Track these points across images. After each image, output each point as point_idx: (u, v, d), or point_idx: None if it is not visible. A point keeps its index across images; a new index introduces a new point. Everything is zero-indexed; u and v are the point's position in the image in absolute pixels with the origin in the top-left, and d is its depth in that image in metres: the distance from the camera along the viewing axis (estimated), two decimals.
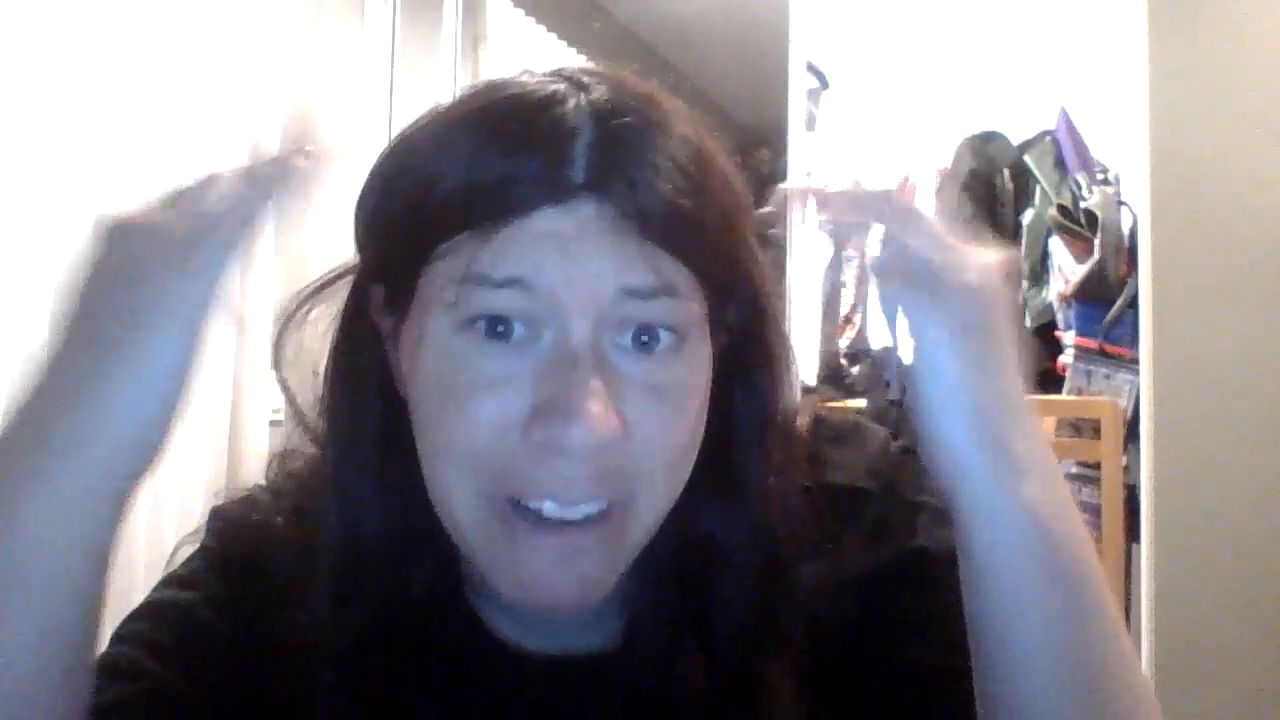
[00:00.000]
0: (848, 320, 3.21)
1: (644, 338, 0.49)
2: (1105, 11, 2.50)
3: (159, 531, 1.82)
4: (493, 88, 0.52)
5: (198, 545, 0.62)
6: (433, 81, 2.72)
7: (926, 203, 3.05)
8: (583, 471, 0.48)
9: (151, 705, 0.53)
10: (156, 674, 0.54)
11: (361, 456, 0.55)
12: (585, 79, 0.51)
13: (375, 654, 0.55)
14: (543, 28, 3.14)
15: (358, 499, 0.55)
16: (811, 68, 2.88)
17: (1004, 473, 0.47)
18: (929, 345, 0.48)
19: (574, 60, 3.32)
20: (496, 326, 0.48)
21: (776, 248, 2.56)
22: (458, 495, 0.50)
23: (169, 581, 0.60)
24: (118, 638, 0.56)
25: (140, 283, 0.43)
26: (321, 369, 0.58)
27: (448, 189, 0.49)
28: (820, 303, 3.15)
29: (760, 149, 3.20)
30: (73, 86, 1.71)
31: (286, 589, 0.56)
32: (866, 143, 3.23)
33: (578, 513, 0.49)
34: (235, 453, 2.04)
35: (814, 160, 2.96)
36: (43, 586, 0.42)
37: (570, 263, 0.47)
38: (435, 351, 0.50)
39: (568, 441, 0.46)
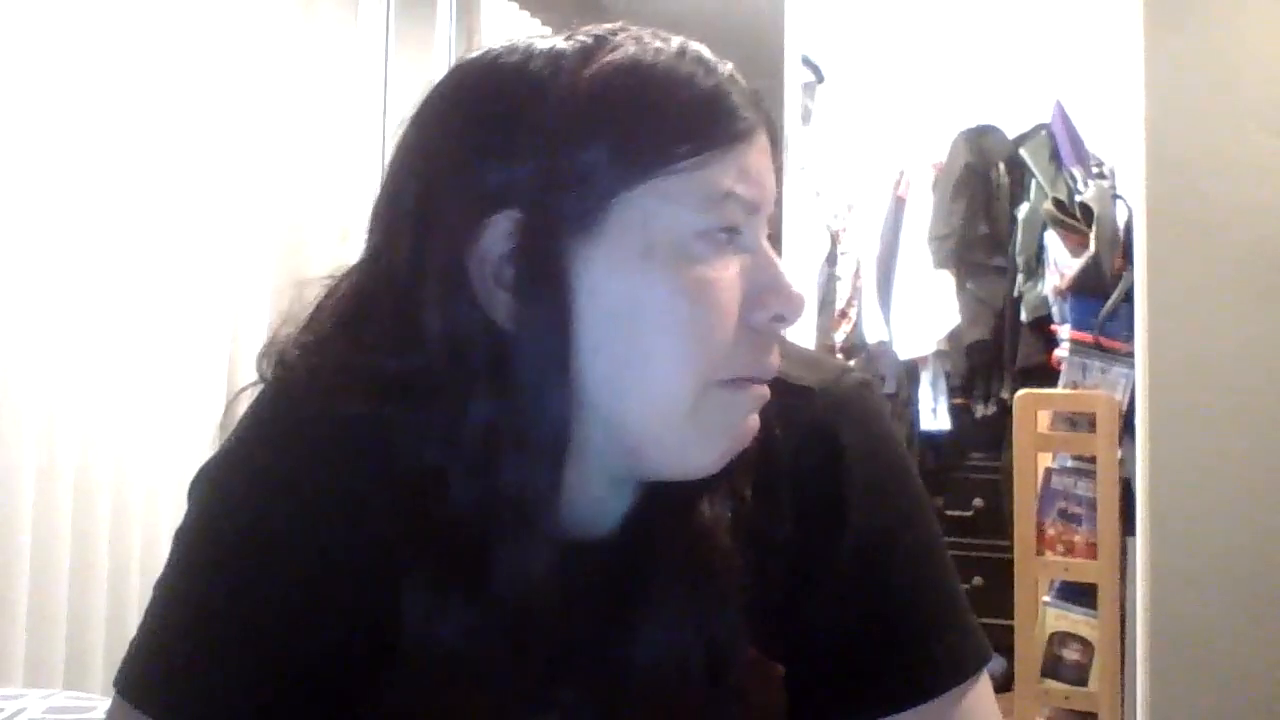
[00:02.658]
0: (843, 314, 3.21)
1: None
2: (1101, 5, 2.50)
3: (154, 529, 1.81)
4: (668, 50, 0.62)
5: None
6: (427, 77, 2.71)
7: (922, 197, 3.05)
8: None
9: None
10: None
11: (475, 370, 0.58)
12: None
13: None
14: (538, 21, 3.13)
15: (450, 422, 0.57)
16: (806, 61, 2.88)
17: None
18: None
19: None
20: (731, 234, 0.59)
21: (772, 241, 2.55)
22: (679, 383, 0.57)
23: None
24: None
25: None
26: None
27: (694, 104, 0.58)
28: (816, 297, 3.15)
29: None
30: (65, 85, 1.70)
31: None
32: (861, 137, 3.23)
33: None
34: None
35: (809, 154, 2.96)
36: None
37: (770, 184, 0.61)
38: (673, 256, 0.57)
39: (792, 314, 0.59)
